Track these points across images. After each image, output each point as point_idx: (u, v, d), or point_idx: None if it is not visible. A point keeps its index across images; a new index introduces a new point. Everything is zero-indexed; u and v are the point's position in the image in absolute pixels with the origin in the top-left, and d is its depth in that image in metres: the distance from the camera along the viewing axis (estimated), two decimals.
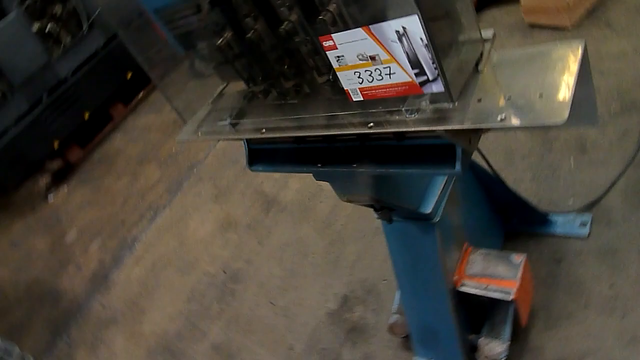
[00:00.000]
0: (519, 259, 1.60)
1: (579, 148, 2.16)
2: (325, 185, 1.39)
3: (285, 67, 1.08)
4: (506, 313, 1.60)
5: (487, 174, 1.84)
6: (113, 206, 3.94)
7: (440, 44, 0.82)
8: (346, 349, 2.04)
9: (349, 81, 0.94)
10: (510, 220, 1.99)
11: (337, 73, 0.95)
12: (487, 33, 0.94)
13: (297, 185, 2.92)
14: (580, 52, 0.83)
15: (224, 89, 1.37)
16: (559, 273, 1.82)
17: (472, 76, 0.91)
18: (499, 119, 0.80)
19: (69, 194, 4.62)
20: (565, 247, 1.88)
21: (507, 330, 1.57)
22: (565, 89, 0.78)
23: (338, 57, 0.91)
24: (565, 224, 1.93)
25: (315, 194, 2.78)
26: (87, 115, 4.94)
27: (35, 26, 4.54)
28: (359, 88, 0.94)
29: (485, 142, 1.86)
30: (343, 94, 0.98)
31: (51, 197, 4.70)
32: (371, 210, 1.50)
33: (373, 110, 0.96)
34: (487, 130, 1.01)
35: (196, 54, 1.30)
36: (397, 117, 0.93)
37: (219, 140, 1.34)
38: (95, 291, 3.18)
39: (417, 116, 0.90)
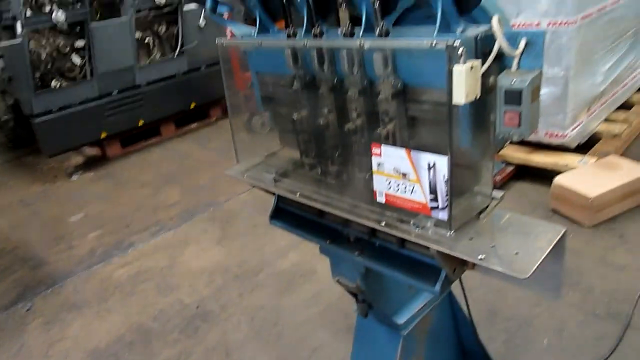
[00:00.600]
0: None
1: (556, 333, 2.28)
2: (319, 267, 1.56)
3: (336, 154, 1.32)
4: None
5: (465, 320, 1.97)
6: (125, 208, 4.14)
7: (458, 186, 1.04)
8: None
9: (379, 184, 1.17)
10: None
11: (374, 175, 1.17)
12: (497, 193, 1.17)
13: (295, 258, 3.07)
14: (558, 236, 1.03)
15: (280, 149, 1.61)
16: None
17: (474, 219, 1.12)
18: (479, 257, 1.00)
19: (91, 181, 4.88)
20: None
21: None
22: (535, 257, 0.98)
23: (379, 163, 1.14)
24: None
25: (308, 273, 2.92)
26: (140, 122, 5.36)
27: (138, 34, 5.14)
28: (385, 192, 1.16)
29: (474, 293, 2.02)
30: (371, 192, 1.20)
31: (75, 177, 4.97)
32: (353, 303, 1.65)
33: (388, 214, 1.17)
34: (472, 267, 1.20)
35: (270, 115, 1.57)
36: (404, 226, 1.14)
37: (256, 188, 1.55)
38: (75, 274, 3.29)
39: (419, 231, 1.11)
